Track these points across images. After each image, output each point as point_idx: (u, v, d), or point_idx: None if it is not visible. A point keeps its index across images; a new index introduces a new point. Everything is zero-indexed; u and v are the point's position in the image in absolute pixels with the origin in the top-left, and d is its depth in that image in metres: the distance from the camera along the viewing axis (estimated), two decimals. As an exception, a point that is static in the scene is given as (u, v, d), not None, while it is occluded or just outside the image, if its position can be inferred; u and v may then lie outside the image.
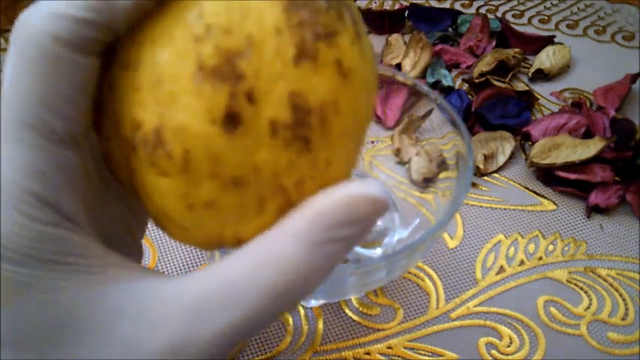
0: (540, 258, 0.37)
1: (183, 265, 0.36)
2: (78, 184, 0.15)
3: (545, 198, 0.41)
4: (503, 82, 0.49)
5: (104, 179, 0.18)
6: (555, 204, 0.41)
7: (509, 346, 0.33)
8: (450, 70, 0.51)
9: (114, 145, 0.16)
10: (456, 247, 0.38)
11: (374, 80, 0.17)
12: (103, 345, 0.14)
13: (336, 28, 0.15)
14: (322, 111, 0.15)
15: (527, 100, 0.47)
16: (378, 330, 0.34)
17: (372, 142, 0.41)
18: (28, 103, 0.14)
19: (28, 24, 0.14)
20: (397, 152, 0.40)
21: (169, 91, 0.14)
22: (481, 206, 0.41)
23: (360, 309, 0.35)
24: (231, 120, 0.14)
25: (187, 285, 0.15)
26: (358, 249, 0.36)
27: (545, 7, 0.60)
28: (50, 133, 0.14)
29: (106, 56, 0.15)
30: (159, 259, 0.37)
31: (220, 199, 0.15)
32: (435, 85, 0.49)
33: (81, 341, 0.14)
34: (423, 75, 0.50)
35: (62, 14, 0.14)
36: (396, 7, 0.59)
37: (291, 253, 0.15)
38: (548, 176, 0.42)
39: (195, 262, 0.37)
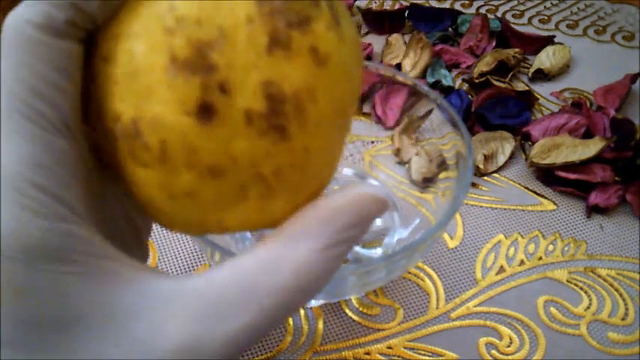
0: (540, 258, 0.37)
1: (184, 265, 0.36)
2: (78, 177, 0.15)
3: (545, 198, 0.41)
4: (503, 82, 0.49)
5: (103, 175, 0.18)
6: (555, 204, 0.41)
7: (509, 346, 0.33)
8: (450, 70, 0.51)
9: (100, 136, 0.16)
10: (456, 247, 0.38)
11: (357, 64, 0.17)
12: (114, 345, 0.14)
13: (310, 14, 0.15)
14: (297, 99, 0.15)
15: (527, 100, 0.47)
16: (378, 330, 0.34)
17: (372, 142, 0.41)
18: (17, 91, 0.14)
19: (10, 16, 0.14)
20: (397, 152, 0.40)
21: (144, 83, 0.15)
22: (481, 206, 0.41)
23: (360, 309, 0.35)
24: (205, 111, 0.15)
25: (200, 286, 0.15)
26: (358, 249, 0.36)
27: (545, 7, 0.60)
28: (43, 122, 0.14)
29: (89, 47, 0.16)
30: (159, 259, 0.37)
31: (200, 189, 0.16)
32: (435, 85, 0.49)
33: (90, 342, 0.14)
34: (423, 75, 0.50)
35: (36, 2, 0.14)
36: (396, 7, 0.59)
37: (304, 255, 0.15)
38: (548, 176, 0.42)
39: (196, 262, 0.37)
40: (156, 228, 0.38)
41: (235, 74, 0.15)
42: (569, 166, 0.41)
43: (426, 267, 0.37)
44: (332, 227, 0.16)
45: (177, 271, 0.36)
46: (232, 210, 0.16)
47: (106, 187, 0.18)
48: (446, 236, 0.39)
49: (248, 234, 0.36)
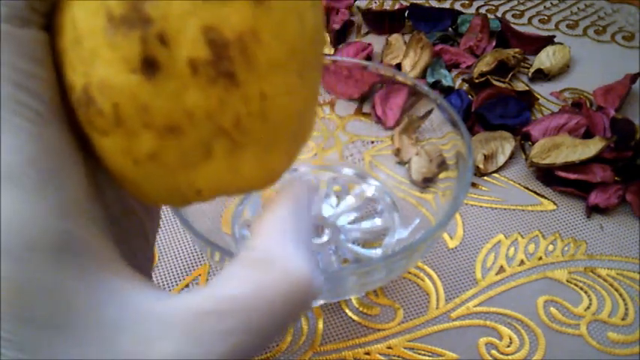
0: (540, 258, 0.37)
1: (184, 265, 0.36)
2: (74, 169, 0.15)
3: (545, 198, 0.41)
4: (503, 82, 0.49)
5: (95, 165, 0.17)
6: (555, 204, 0.41)
7: (509, 346, 0.33)
8: (450, 70, 0.51)
9: (74, 116, 0.16)
10: (456, 247, 0.38)
11: (312, 2, 0.17)
12: (100, 353, 0.14)
13: None
14: (241, 42, 0.15)
15: (527, 100, 0.47)
16: (378, 330, 0.34)
17: (372, 142, 0.41)
18: (0, 87, 0.14)
19: None
20: (397, 152, 0.40)
21: (88, 47, 0.15)
22: (481, 206, 0.41)
23: (360, 309, 0.35)
24: (149, 66, 0.14)
25: (184, 305, 0.15)
26: (358, 249, 0.36)
27: (545, 7, 0.60)
28: (31, 114, 0.14)
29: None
30: (159, 259, 0.37)
31: (161, 150, 0.15)
32: (435, 85, 0.49)
33: (80, 346, 0.14)
34: (423, 75, 0.50)
35: None
36: (396, 7, 0.59)
37: (279, 274, 0.16)
38: (548, 176, 0.42)
39: (196, 262, 0.37)
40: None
41: (172, 24, 0.14)
42: (569, 166, 0.41)
43: (426, 267, 0.37)
44: (295, 228, 0.17)
45: (177, 271, 0.36)
46: (200, 170, 0.16)
47: (101, 181, 0.17)
48: (446, 236, 0.39)
49: (248, 234, 0.36)
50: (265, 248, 0.16)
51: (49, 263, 0.13)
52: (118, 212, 0.18)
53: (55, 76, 0.15)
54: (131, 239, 0.19)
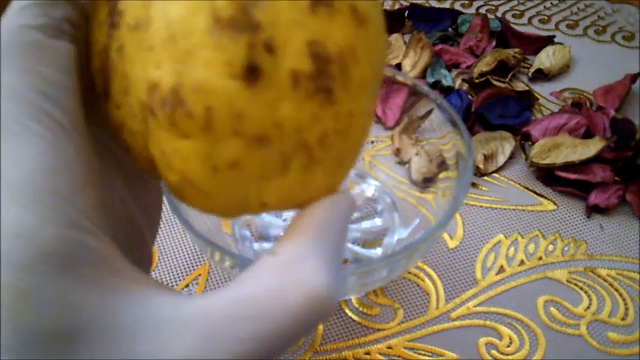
0: (540, 258, 0.37)
1: (184, 265, 0.36)
2: (88, 180, 0.15)
3: (545, 198, 0.41)
4: (503, 82, 0.49)
5: (107, 175, 0.17)
6: (555, 204, 0.41)
7: (509, 346, 0.33)
8: (450, 70, 0.51)
9: (125, 113, 0.16)
10: (456, 247, 0.38)
11: (385, 33, 0.17)
12: (119, 357, 0.14)
13: None
14: (342, 59, 0.15)
15: (527, 100, 0.47)
16: (378, 330, 0.34)
17: (372, 142, 0.41)
18: (26, 95, 0.14)
19: (4, 23, 0.14)
20: (397, 152, 0.40)
21: (184, 47, 0.14)
22: (481, 206, 0.41)
23: (360, 309, 0.35)
24: (252, 73, 0.14)
25: (204, 308, 0.15)
26: (358, 249, 0.36)
27: (545, 7, 0.60)
28: (53, 124, 0.14)
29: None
30: (159, 259, 0.37)
31: (244, 159, 0.15)
32: (435, 85, 0.49)
33: (93, 355, 0.13)
34: (423, 75, 0.50)
35: (30, 3, 0.14)
36: (396, 7, 0.59)
37: (307, 277, 0.15)
38: (548, 176, 0.42)
39: (196, 262, 0.37)
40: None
41: (280, 33, 0.14)
42: (569, 166, 0.41)
43: (426, 267, 0.37)
44: (326, 240, 0.16)
45: (177, 271, 0.36)
46: (273, 183, 0.16)
47: (110, 188, 0.18)
48: (446, 236, 0.39)
49: (248, 234, 0.36)
50: (291, 255, 0.16)
51: (61, 274, 0.13)
52: (124, 219, 0.18)
53: (79, 88, 0.15)
54: (131, 245, 0.19)
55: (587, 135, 0.44)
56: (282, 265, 0.15)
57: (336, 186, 0.17)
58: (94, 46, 0.16)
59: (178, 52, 0.14)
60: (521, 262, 0.37)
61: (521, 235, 0.39)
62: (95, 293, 0.14)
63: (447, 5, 0.60)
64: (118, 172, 0.18)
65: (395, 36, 0.54)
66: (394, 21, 0.56)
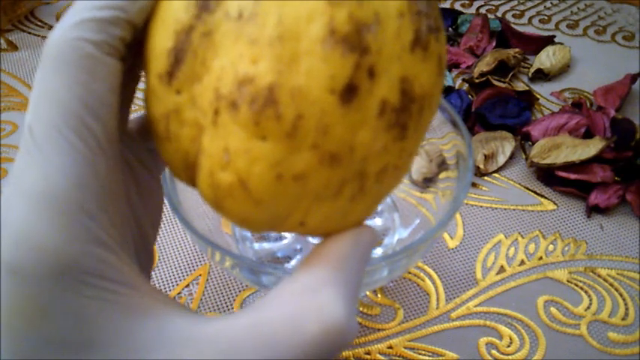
0: (540, 258, 0.37)
1: (184, 265, 0.36)
2: (113, 197, 0.15)
3: (545, 198, 0.41)
4: (503, 82, 0.49)
5: (126, 187, 0.17)
6: (555, 204, 0.41)
7: (509, 346, 0.33)
8: (450, 70, 0.51)
9: (184, 99, 0.15)
10: (456, 247, 0.38)
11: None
12: None
13: (440, 24, 0.16)
14: (422, 101, 0.15)
15: (527, 100, 0.47)
16: (378, 330, 0.34)
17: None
18: (74, 108, 0.14)
19: (59, 33, 0.14)
20: (397, 152, 0.40)
21: (292, 49, 0.14)
22: (481, 206, 0.41)
23: (360, 309, 0.35)
24: (350, 92, 0.14)
25: (220, 332, 0.15)
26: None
27: (545, 7, 0.60)
28: (91, 140, 0.14)
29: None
30: (159, 259, 0.37)
31: (312, 174, 0.15)
32: (435, 85, 0.49)
33: None
34: (423, 75, 0.50)
35: (91, 18, 0.14)
36: (396, 7, 0.59)
37: (327, 308, 0.15)
38: (548, 176, 0.42)
39: (196, 263, 0.37)
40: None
41: (382, 61, 0.14)
42: (569, 166, 0.41)
43: (426, 267, 0.37)
44: (346, 272, 0.16)
45: (177, 271, 0.36)
46: (322, 205, 0.16)
47: (127, 200, 0.18)
48: (446, 236, 0.39)
49: (248, 234, 0.36)
50: (310, 282, 0.16)
51: (81, 288, 0.13)
52: (133, 225, 0.18)
53: (119, 105, 0.15)
54: (137, 247, 0.19)
55: (588, 135, 0.44)
56: (301, 291, 0.15)
57: (363, 220, 0.18)
58: (173, 25, 0.15)
59: (284, 52, 0.14)
60: (522, 262, 0.37)
61: (522, 235, 0.39)
62: (113, 309, 0.14)
63: (447, 5, 0.60)
64: (132, 182, 0.18)
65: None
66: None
